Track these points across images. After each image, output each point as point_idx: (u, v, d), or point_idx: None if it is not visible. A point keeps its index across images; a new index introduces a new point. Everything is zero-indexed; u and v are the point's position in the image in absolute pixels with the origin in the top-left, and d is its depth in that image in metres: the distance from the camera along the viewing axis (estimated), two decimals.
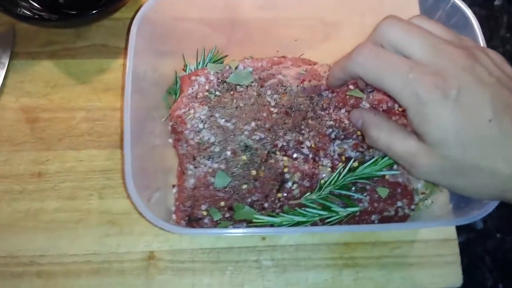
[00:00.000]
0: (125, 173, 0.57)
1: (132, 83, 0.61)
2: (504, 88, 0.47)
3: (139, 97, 0.65)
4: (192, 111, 0.66)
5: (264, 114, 0.67)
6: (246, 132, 0.66)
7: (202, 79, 0.70)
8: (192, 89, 0.69)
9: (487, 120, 0.45)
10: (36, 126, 0.75)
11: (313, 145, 0.65)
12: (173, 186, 0.69)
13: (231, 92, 0.69)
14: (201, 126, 0.66)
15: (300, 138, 0.66)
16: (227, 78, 0.70)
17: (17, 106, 0.76)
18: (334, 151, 0.66)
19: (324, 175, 0.64)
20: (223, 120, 0.66)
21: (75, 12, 0.77)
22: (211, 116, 0.66)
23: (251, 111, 0.67)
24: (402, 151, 0.51)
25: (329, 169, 0.64)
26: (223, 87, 0.69)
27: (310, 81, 0.69)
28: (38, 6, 0.77)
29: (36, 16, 0.76)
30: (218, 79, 0.70)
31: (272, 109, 0.67)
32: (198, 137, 0.65)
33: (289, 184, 0.64)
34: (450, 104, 0.45)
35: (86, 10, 0.72)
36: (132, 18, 0.64)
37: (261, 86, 0.69)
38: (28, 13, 0.76)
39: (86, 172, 0.73)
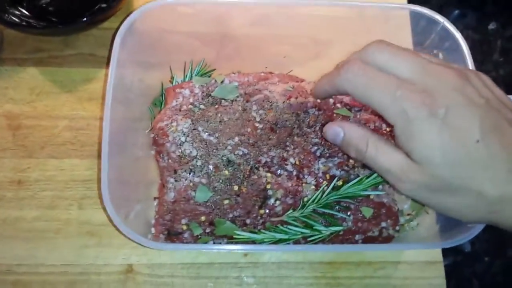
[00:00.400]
0: (101, 185, 0.56)
1: (113, 93, 0.61)
2: (494, 110, 0.47)
3: (123, 108, 0.64)
4: (174, 123, 0.65)
5: (249, 130, 0.66)
6: (229, 147, 0.65)
7: (186, 92, 0.69)
8: (176, 101, 0.68)
9: (475, 140, 0.45)
10: (18, 133, 0.73)
11: (297, 162, 0.64)
12: (155, 198, 0.68)
13: (216, 106, 0.68)
14: (183, 139, 0.64)
15: (285, 154, 0.65)
16: (212, 91, 0.69)
17: (0, 112, 0.74)
18: (318, 169, 0.65)
19: (307, 192, 0.63)
20: (206, 134, 0.65)
21: (63, 21, 0.76)
22: (194, 129, 0.65)
23: (235, 125, 0.66)
24: (389, 165, 0.49)
25: (313, 187, 0.63)
26: (208, 100, 0.68)
27: (296, 97, 0.68)
28: (27, 13, 0.77)
29: (24, 23, 0.75)
30: (203, 92, 0.69)
31: (257, 124, 0.66)
32: (180, 150, 0.64)
33: (272, 200, 0.63)
34: (438, 123, 0.45)
35: (75, 19, 0.72)
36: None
37: (247, 101, 0.68)
38: (16, 19, 0.75)
39: (67, 182, 0.71)
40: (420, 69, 0.47)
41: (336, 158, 0.65)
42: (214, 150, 0.64)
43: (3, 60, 0.78)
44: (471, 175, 0.45)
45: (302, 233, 0.62)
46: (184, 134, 0.65)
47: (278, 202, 0.63)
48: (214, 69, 0.75)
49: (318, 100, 0.69)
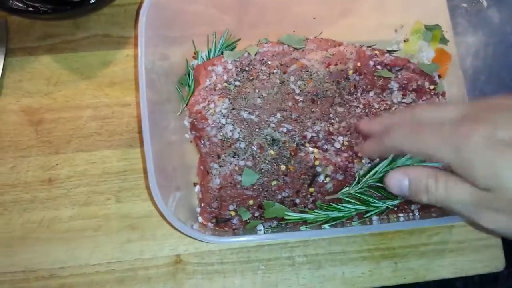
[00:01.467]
0: (148, 178, 0.53)
1: (146, 77, 0.56)
2: None
3: (151, 91, 0.60)
4: (212, 105, 0.61)
5: (290, 104, 0.62)
6: (272, 125, 0.61)
7: (219, 68, 0.64)
8: (210, 80, 0.64)
9: None
10: (41, 129, 0.69)
11: (345, 140, 0.61)
12: (194, 184, 0.65)
13: (252, 81, 0.63)
14: (223, 121, 0.61)
15: (330, 128, 0.62)
16: (246, 66, 0.64)
17: (17, 108, 0.70)
18: None
19: (359, 167, 0.60)
20: (246, 112, 0.61)
21: (72, 0, 0.70)
22: (233, 109, 0.61)
23: (275, 101, 0.62)
24: (463, 198, 0.45)
25: (365, 161, 0.60)
26: (243, 76, 0.64)
27: (336, 64, 0.64)
28: None
29: (30, 8, 0.69)
30: (236, 67, 0.64)
31: (297, 97, 0.62)
32: (221, 134, 0.60)
33: (322, 177, 0.60)
34: (492, 143, 0.42)
35: None
36: (136, 4, 0.58)
37: (284, 73, 0.64)
38: (21, 5, 0.69)
39: (100, 175, 0.68)
40: (465, 106, 0.48)
41: None
42: (257, 130, 0.61)
43: (12, 51, 0.72)
44: None
45: (357, 209, 0.59)
46: (224, 116, 0.61)
47: (328, 179, 0.60)
48: (239, 39, 0.70)
49: (358, 64, 0.64)
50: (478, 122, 0.44)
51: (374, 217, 0.60)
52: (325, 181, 0.60)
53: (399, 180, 0.51)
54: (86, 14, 0.72)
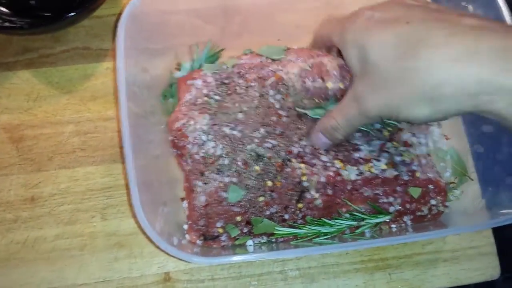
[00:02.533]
0: (131, 195, 0.51)
1: (126, 89, 0.55)
2: (425, 11, 0.46)
3: (133, 103, 0.58)
4: (192, 121, 0.59)
5: (274, 118, 0.60)
6: (256, 140, 0.59)
7: (199, 82, 0.62)
8: (190, 94, 0.62)
9: (405, 23, 0.45)
10: (21, 146, 0.67)
11: (333, 157, 0.60)
12: (182, 199, 0.63)
13: (231, 95, 0.61)
14: (204, 137, 0.59)
15: None
16: (225, 79, 0.62)
17: None
18: (358, 156, 0.60)
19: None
20: (228, 128, 0.59)
21: (49, 14, 0.68)
22: (214, 124, 0.59)
23: (257, 115, 0.60)
24: (353, 111, 0.51)
25: (355, 173, 0.59)
26: (223, 90, 0.62)
27: (313, 81, 0.62)
28: (7, 10, 0.68)
29: (7, 24, 0.66)
30: (216, 80, 0.62)
31: (280, 112, 0.60)
32: (203, 151, 0.59)
33: (311, 193, 0.58)
34: (372, 24, 0.47)
35: (62, 10, 0.63)
36: (115, 15, 0.56)
37: (263, 86, 0.62)
38: None
39: (84, 192, 0.66)
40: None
41: (377, 141, 0.60)
42: (240, 145, 0.59)
43: None
44: (409, 62, 0.43)
45: (348, 224, 0.58)
46: (204, 132, 0.59)
47: (317, 194, 0.58)
48: (223, 49, 0.68)
49: (340, 86, 0.62)
50: (366, 9, 0.49)
51: (367, 230, 0.59)
52: (314, 197, 0.58)
53: (318, 138, 0.58)
54: (64, 28, 0.70)
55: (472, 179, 0.64)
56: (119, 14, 0.65)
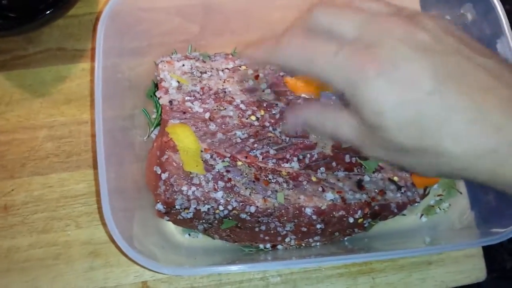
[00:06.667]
0: (102, 204, 0.49)
1: (103, 91, 0.52)
2: (453, 54, 0.39)
3: (110, 106, 0.55)
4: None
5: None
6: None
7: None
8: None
9: (426, 93, 0.37)
10: None
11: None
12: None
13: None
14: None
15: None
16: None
17: None
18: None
19: None
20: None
21: (22, 14, 0.66)
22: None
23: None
24: (348, 134, 0.43)
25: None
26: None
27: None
28: None
29: None
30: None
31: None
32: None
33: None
34: (382, 82, 0.38)
35: (35, 10, 0.61)
36: (92, 14, 0.54)
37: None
38: None
39: (58, 199, 0.64)
40: (363, 24, 0.40)
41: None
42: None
43: None
44: (425, 133, 0.38)
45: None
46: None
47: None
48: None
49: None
50: (375, 55, 0.39)
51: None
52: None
53: (294, 119, 0.49)
54: (38, 28, 0.67)
55: (461, 193, 0.64)
56: (99, 13, 0.63)
